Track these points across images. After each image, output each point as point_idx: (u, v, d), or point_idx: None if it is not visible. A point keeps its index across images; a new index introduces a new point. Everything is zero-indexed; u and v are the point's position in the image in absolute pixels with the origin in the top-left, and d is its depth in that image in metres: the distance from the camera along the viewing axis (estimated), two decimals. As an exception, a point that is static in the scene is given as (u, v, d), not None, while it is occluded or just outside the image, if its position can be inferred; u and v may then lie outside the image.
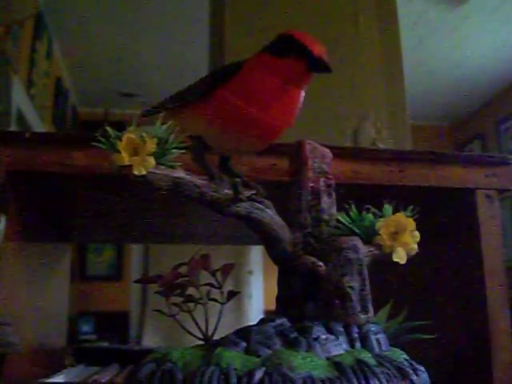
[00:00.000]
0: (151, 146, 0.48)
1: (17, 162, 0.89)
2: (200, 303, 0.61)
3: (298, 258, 0.59)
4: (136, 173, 0.48)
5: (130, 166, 0.48)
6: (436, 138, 4.87)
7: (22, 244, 1.05)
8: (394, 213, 0.62)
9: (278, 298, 0.62)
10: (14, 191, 0.93)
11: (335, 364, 0.48)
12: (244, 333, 0.51)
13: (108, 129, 0.49)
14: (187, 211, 1.19)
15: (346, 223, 0.62)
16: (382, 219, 0.61)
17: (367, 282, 0.58)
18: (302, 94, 0.58)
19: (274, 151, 0.93)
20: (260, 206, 0.57)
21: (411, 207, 0.62)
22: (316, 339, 0.51)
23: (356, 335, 0.54)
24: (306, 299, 0.59)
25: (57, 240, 1.53)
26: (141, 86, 4.06)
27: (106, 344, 3.81)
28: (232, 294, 0.63)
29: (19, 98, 2.67)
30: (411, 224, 0.61)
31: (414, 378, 0.49)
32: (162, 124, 0.51)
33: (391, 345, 0.57)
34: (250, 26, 1.28)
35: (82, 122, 4.46)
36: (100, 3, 3.09)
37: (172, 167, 0.51)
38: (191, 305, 0.61)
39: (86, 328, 4.12)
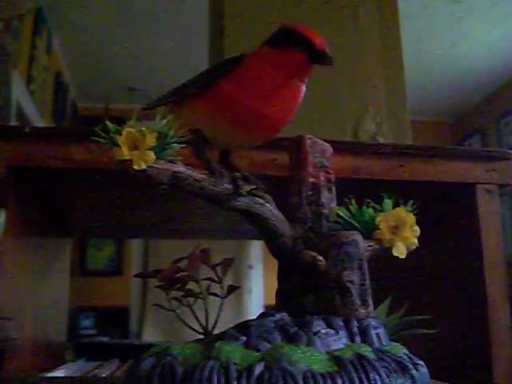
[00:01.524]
0: (151, 140, 0.48)
1: (17, 156, 0.89)
2: (200, 297, 0.61)
3: (298, 252, 0.59)
4: (136, 167, 0.48)
5: (130, 160, 0.48)
6: (436, 133, 4.86)
7: (22, 239, 1.05)
8: (394, 207, 0.62)
9: (278, 293, 0.62)
10: (14, 186, 0.93)
11: (335, 358, 0.48)
12: (244, 327, 0.51)
13: (108, 123, 0.49)
14: (187, 206, 1.19)
15: (346, 218, 0.62)
16: (381, 214, 0.61)
17: (367, 277, 0.58)
18: (303, 87, 0.58)
19: (274, 146, 0.93)
20: (260, 200, 0.57)
21: (411, 202, 0.62)
22: (316, 334, 0.51)
23: (356, 330, 0.54)
24: (305, 294, 0.59)
25: (57, 234, 1.53)
26: (141, 81, 4.05)
27: (106, 339, 3.82)
28: (232, 289, 0.63)
29: (19, 93, 2.67)
30: (411, 218, 0.61)
31: (414, 372, 0.49)
32: (162, 118, 0.51)
33: (391, 339, 0.57)
34: (250, 21, 1.28)
35: (81, 116, 4.45)
36: (100, -2, 3.09)
37: (172, 162, 0.51)
38: (191, 299, 0.61)
39: (86, 323, 4.13)
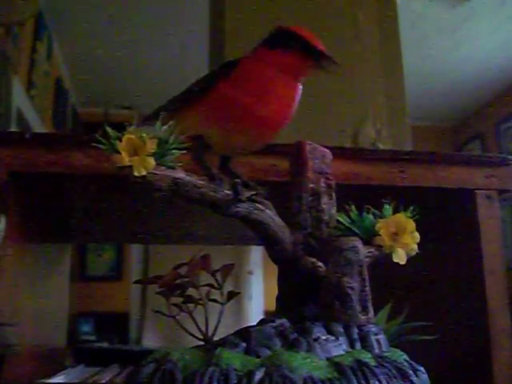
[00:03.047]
0: (151, 146, 0.48)
1: (17, 162, 0.89)
2: (200, 304, 0.61)
3: (298, 258, 0.59)
4: (136, 173, 0.48)
5: (130, 166, 0.48)
6: (436, 139, 4.86)
7: (22, 244, 1.05)
8: (394, 213, 0.62)
9: (278, 299, 0.62)
10: (15, 192, 0.93)
11: (335, 365, 0.48)
12: (244, 333, 0.51)
13: (108, 129, 0.49)
14: (187, 212, 1.19)
15: (346, 224, 0.62)
16: (381, 220, 0.61)
17: (367, 283, 0.58)
18: (300, 87, 0.59)
19: (274, 152, 0.93)
20: (260, 206, 0.57)
21: (411, 208, 0.62)
22: (316, 340, 0.51)
23: (356, 336, 0.54)
24: (306, 300, 0.59)
25: (57, 240, 1.53)
26: (141, 86, 4.06)
27: (106, 344, 3.81)
28: (232, 295, 0.63)
29: (19, 98, 2.67)
30: (411, 224, 0.61)
31: (414, 378, 0.49)
32: (163, 125, 0.51)
33: (391, 345, 0.57)
34: (250, 29, 1.28)
35: (82, 122, 4.46)
36: (100, 4, 3.09)
37: (172, 168, 0.51)
38: (191, 305, 0.61)
39: (85, 328, 4.12)
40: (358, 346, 0.53)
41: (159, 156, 0.49)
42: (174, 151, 0.51)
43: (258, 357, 0.48)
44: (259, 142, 0.59)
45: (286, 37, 0.58)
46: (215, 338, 0.58)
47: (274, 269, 0.62)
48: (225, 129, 0.56)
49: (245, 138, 0.57)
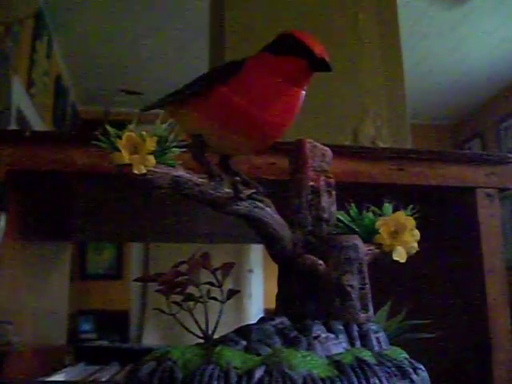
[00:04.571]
0: (151, 144, 0.48)
1: (17, 160, 0.89)
2: (200, 302, 0.61)
3: (298, 256, 0.59)
4: (136, 171, 0.48)
5: (130, 164, 0.48)
6: (436, 137, 4.86)
7: (22, 243, 1.05)
8: (393, 212, 0.62)
9: (278, 297, 0.62)
10: (14, 190, 0.93)
11: (335, 363, 0.48)
12: (244, 331, 0.51)
13: (108, 127, 0.49)
14: (187, 210, 1.19)
15: (346, 222, 0.62)
16: (381, 218, 0.61)
17: (367, 281, 0.58)
18: (303, 94, 0.57)
19: (274, 150, 0.93)
20: (260, 204, 0.57)
21: (411, 206, 0.62)
22: (316, 338, 0.51)
23: (356, 334, 0.54)
24: (306, 298, 0.59)
25: (57, 238, 1.53)
26: (141, 85, 4.05)
27: (105, 343, 3.82)
28: (232, 293, 0.63)
29: (19, 97, 2.66)
30: (411, 223, 0.61)
31: (414, 377, 0.49)
32: (162, 122, 0.51)
33: (391, 344, 0.57)
34: (250, 25, 1.28)
35: (82, 120, 4.45)
36: (100, 2, 3.09)
37: (172, 166, 0.51)
38: (191, 303, 0.61)
39: (85, 327, 4.12)
40: (357, 344, 0.53)
41: (159, 154, 0.49)
42: (173, 149, 0.50)
43: (258, 355, 0.48)
44: (256, 147, 0.59)
45: (289, 43, 0.56)
46: (215, 336, 0.58)
47: (274, 267, 0.62)
48: (223, 130, 0.56)
49: (242, 140, 0.57)
